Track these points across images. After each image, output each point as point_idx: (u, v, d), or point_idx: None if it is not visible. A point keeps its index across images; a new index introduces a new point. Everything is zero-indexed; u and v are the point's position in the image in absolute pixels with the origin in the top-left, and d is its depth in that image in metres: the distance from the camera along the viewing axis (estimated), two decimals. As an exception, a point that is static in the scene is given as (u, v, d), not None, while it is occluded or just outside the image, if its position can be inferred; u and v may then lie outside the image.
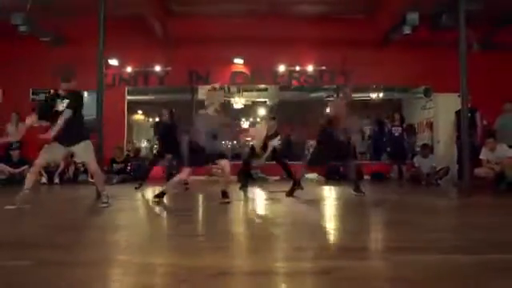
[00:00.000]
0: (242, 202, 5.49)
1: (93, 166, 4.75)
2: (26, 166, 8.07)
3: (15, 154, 8.17)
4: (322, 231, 3.32)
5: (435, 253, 2.49)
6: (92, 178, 5.22)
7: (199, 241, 3.01)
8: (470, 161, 6.08)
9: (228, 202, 4.88)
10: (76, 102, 4.58)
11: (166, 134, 7.16)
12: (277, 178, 8.97)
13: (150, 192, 6.25)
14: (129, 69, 9.75)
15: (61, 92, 4.60)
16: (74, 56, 9.20)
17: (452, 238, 3.05)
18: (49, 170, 8.45)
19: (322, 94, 11.33)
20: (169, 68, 9.66)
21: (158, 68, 9.69)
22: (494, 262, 2.30)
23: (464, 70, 6.14)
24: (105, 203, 4.67)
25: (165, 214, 4.63)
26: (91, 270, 2.15)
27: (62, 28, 9.16)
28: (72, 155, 5.17)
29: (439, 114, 9.72)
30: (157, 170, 9.48)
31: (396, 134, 8.74)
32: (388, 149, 8.87)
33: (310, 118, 15.20)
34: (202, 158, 4.85)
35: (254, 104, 13.38)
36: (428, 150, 8.29)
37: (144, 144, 14.11)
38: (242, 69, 9.87)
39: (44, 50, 9.28)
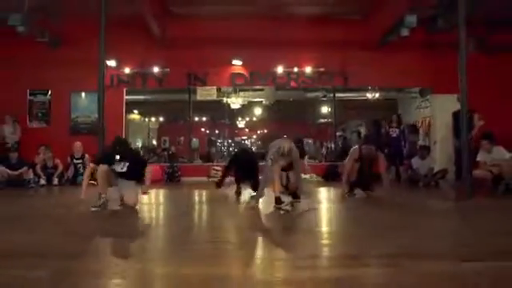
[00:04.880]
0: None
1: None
2: (24, 168, 8.06)
3: (14, 155, 8.12)
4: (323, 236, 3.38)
5: (437, 259, 2.54)
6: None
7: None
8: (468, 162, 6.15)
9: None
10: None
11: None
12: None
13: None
14: (127, 70, 9.71)
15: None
16: (71, 57, 9.21)
17: (454, 244, 3.11)
18: (48, 172, 8.44)
19: (319, 93, 11.41)
20: (167, 69, 9.63)
21: (156, 69, 9.67)
22: (495, 268, 2.35)
23: (463, 72, 6.22)
24: None
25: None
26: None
27: (59, 29, 9.11)
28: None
29: (436, 114, 9.79)
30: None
31: (393, 136, 8.80)
32: (385, 150, 8.91)
33: (307, 116, 15.42)
34: None
35: (251, 104, 13.48)
36: (426, 151, 8.35)
37: (139, 144, 14.16)
38: (241, 70, 9.88)
39: (41, 51, 9.22)
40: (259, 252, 3.02)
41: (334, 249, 2.98)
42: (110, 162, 4.83)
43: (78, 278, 2.22)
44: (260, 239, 3.49)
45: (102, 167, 4.83)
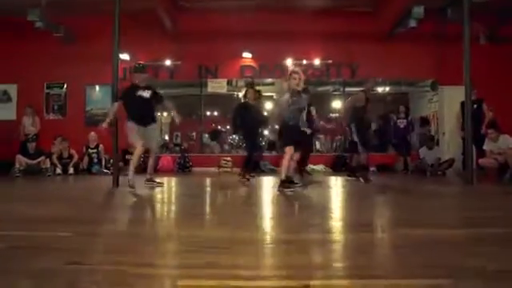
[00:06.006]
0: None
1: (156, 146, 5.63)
2: (42, 157, 8.38)
3: (32, 146, 8.44)
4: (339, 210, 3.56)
5: (427, 227, 2.70)
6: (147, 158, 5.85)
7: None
8: (476, 151, 6.22)
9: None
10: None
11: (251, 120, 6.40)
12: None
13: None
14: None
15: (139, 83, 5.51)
16: (85, 52, 9.50)
17: (444, 217, 3.27)
18: (64, 162, 8.74)
19: (329, 87, 11.50)
20: (179, 62, 9.87)
21: (168, 62, 9.92)
22: (478, 234, 2.50)
23: (467, 62, 6.29)
24: None
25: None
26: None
27: (74, 24, 9.40)
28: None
29: (444, 106, 9.84)
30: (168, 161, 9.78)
31: (401, 127, 8.90)
32: (393, 141, 9.01)
33: (317, 111, 15.44)
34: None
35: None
36: (433, 142, 8.44)
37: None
38: (251, 63, 10.07)
39: (57, 46, 9.54)
40: (269, 219, 3.20)
41: (339, 220, 3.15)
42: (134, 92, 5.44)
43: (99, 238, 2.45)
44: (270, 211, 3.71)
45: (139, 149, 5.35)
